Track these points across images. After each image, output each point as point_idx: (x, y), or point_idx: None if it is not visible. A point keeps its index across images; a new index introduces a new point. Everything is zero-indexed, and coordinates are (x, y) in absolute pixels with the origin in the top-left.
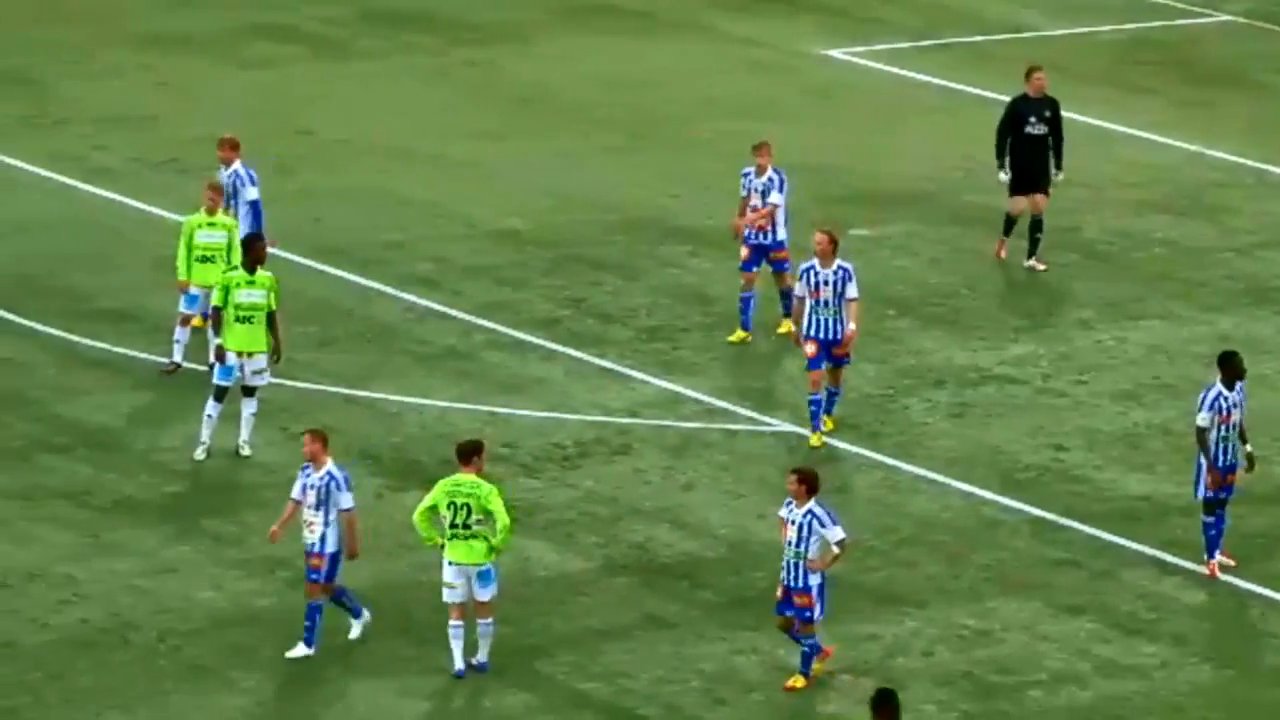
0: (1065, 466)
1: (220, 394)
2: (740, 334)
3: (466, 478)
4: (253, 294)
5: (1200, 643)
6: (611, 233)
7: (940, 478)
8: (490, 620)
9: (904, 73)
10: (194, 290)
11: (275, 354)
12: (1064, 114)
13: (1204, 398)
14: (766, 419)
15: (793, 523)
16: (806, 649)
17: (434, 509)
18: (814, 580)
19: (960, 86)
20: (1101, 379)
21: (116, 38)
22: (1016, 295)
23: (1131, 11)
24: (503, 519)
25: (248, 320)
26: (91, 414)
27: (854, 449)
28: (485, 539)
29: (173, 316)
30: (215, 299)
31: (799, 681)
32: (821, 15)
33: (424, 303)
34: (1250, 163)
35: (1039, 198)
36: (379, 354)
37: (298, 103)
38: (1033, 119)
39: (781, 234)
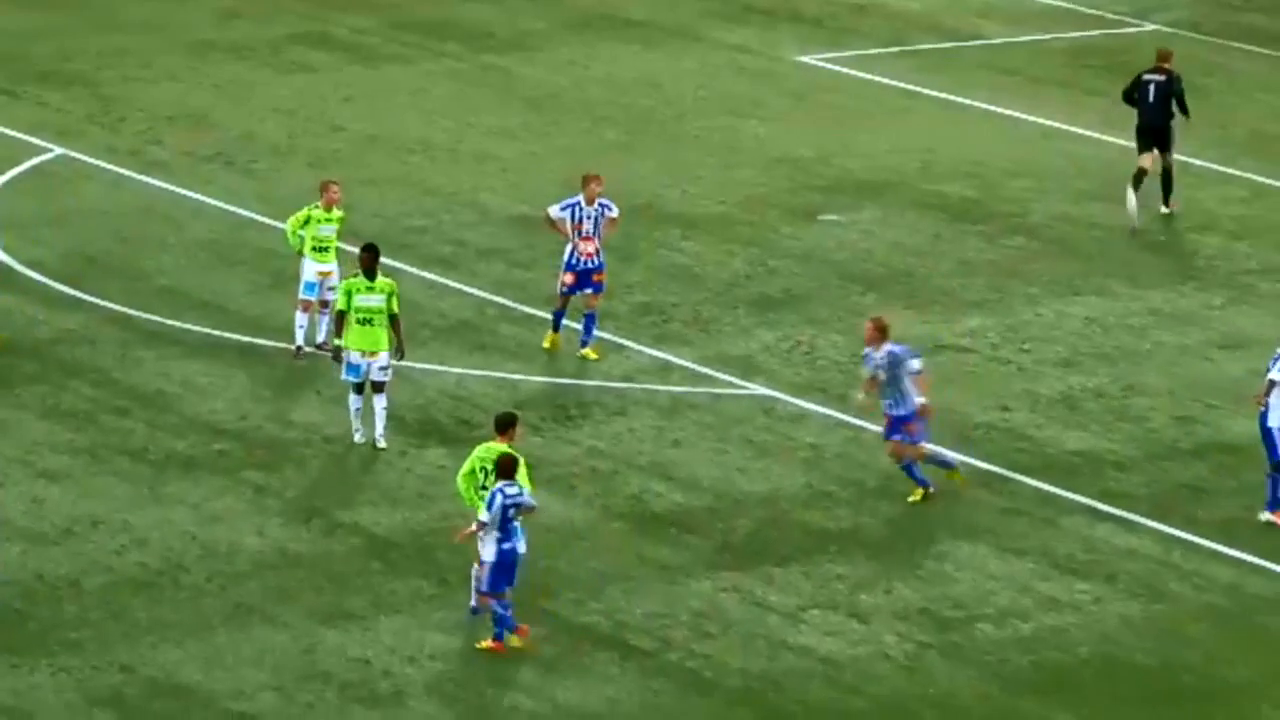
0: (1011, 425)
1: (357, 389)
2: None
3: (499, 446)
4: (371, 298)
5: (1129, 581)
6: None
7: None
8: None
9: (872, 76)
10: (312, 278)
11: (399, 352)
12: (1015, 113)
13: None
14: (746, 384)
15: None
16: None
17: (472, 473)
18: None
19: (922, 89)
20: (1044, 348)
21: (170, 46)
22: (969, 274)
23: (1075, 22)
24: (527, 487)
25: (368, 322)
26: (148, 380)
27: (824, 410)
28: None
29: (220, 294)
30: (339, 303)
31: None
32: (799, 25)
33: (444, 281)
34: (1179, 156)
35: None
36: (404, 326)
37: (331, 103)
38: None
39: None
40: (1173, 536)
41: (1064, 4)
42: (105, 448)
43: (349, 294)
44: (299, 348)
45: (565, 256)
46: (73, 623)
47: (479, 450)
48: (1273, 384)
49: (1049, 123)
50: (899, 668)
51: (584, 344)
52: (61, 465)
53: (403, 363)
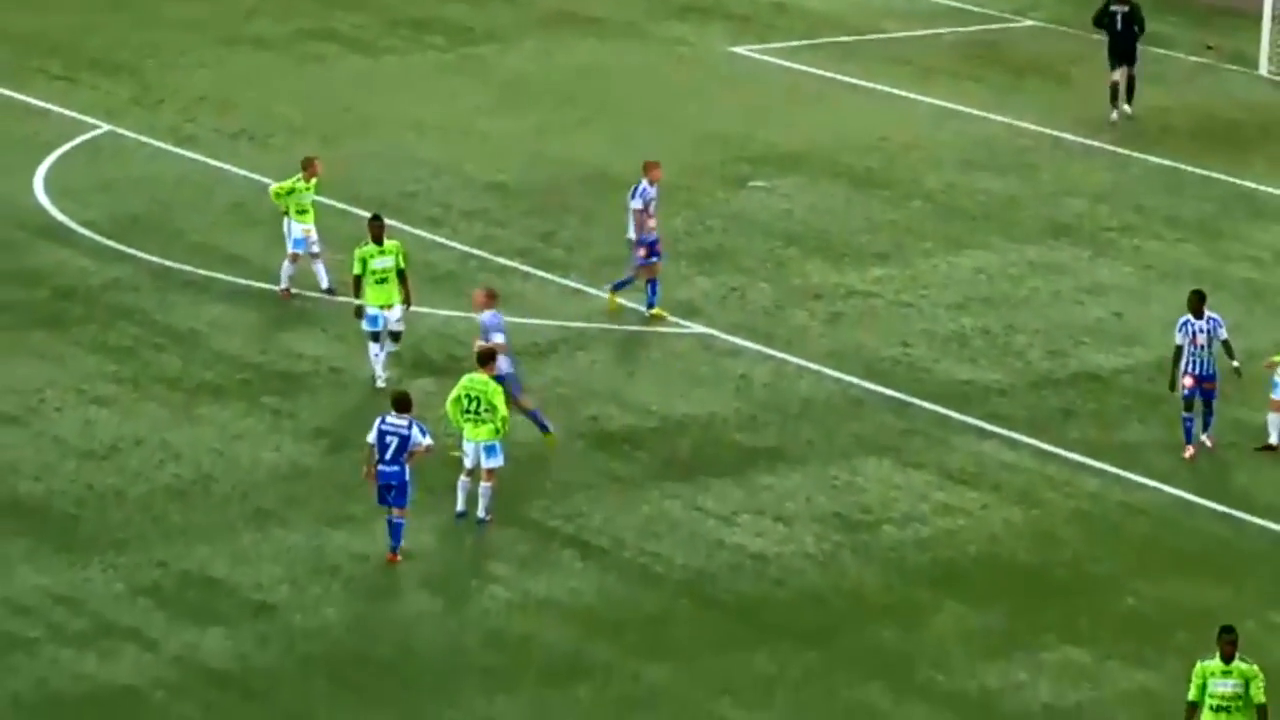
0: (911, 359)
1: (374, 337)
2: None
3: (480, 377)
4: (384, 260)
5: (1011, 491)
6: (574, 185)
7: (818, 367)
8: (491, 484)
9: (792, 65)
10: (300, 235)
11: (406, 302)
12: (911, 96)
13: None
14: (687, 324)
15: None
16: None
17: (458, 399)
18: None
19: (834, 75)
20: (938, 294)
21: (202, 39)
22: (875, 231)
23: (962, 18)
24: (502, 412)
25: (383, 281)
26: (181, 320)
27: (754, 346)
28: (492, 423)
29: (243, 249)
30: (354, 269)
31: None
32: (730, 21)
33: (432, 237)
34: (1051, 131)
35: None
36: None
37: (339, 87)
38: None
39: (631, 234)
40: (1047, 452)
41: (953, 2)
42: (145, 378)
43: (364, 260)
44: (285, 289)
45: (635, 234)
46: (118, 526)
47: (463, 380)
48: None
49: (940, 104)
50: (816, 564)
51: (652, 305)
52: (108, 393)
53: (410, 308)
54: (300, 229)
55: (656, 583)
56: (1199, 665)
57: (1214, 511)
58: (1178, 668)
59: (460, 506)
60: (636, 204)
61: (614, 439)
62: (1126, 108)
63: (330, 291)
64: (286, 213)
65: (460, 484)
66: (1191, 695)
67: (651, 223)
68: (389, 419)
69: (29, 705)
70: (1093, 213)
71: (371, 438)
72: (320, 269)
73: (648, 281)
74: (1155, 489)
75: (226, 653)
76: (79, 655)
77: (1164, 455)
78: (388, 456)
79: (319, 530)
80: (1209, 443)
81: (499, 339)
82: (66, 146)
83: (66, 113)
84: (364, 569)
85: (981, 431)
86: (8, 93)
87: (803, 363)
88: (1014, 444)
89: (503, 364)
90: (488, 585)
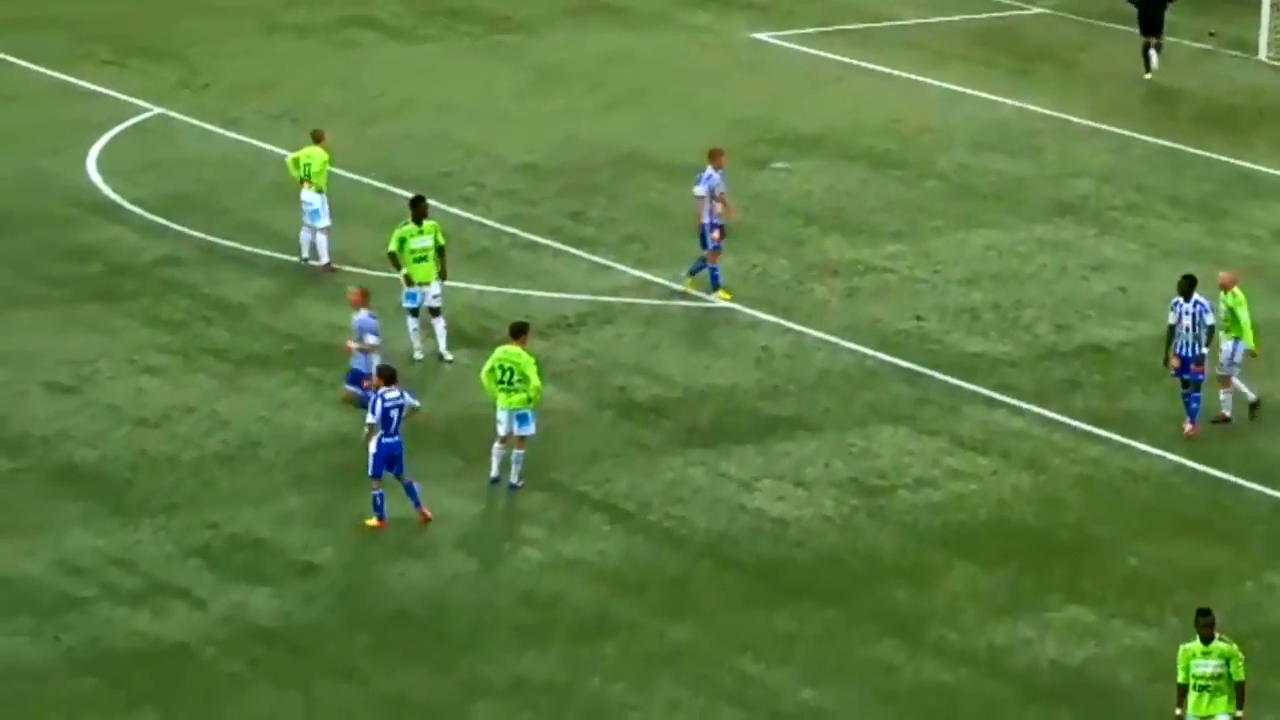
0: (924, 332)
1: (413, 313)
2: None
3: (513, 348)
4: (423, 239)
5: (1020, 457)
6: (602, 166)
7: (836, 340)
8: (523, 451)
9: (811, 51)
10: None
11: (442, 276)
12: (926, 80)
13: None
14: (711, 299)
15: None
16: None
17: (492, 370)
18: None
19: (851, 61)
20: (950, 270)
21: (246, 27)
22: (890, 210)
23: (975, 5)
24: (534, 382)
25: (422, 259)
26: (229, 294)
27: (773, 319)
28: (524, 392)
29: (286, 226)
30: (391, 245)
31: (1189, 428)
32: (751, 10)
33: (466, 215)
34: (1059, 115)
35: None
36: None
37: (376, 72)
38: None
39: (704, 219)
40: (1054, 420)
41: None
42: (195, 349)
43: (402, 239)
44: (327, 264)
45: (708, 219)
46: (169, 490)
47: (497, 352)
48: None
49: (953, 88)
50: (834, 526)
51: (693, 274)
52: (160, 363)
53: (445, 282)
54: (313, 197)
55: (680, 545)
56: (1181, 649)
57: (1213, 477)
58: (1178, 626)
59: (494, 472)
60: (700, 190)
61: (640, 408)
62: (1149, 72)
63: (305, 261)
64: (303, 181)
65: (494, 450)
66: (1180, 678)
67: (719, 207)
68: (387, 395)
69: (83, 661)
70: (1098, 192)
71: (375, 416)
72: (321, 241)
73: (701, 258)
74: (1157, 456)
75: (273, 611)
76: (132, 613)
77: (1165, 424)
78: (392, 429)
79: (360, 495)
80: (1189, 428)
81: (372, 340)
82: (117, 128)
83: (117, 96)
84: (402, 531)
85: (991, 401)
86: (61, 76)
87: (821, 335)
88: (1022, 413)
89: (360, 362)
90: (520, 547)
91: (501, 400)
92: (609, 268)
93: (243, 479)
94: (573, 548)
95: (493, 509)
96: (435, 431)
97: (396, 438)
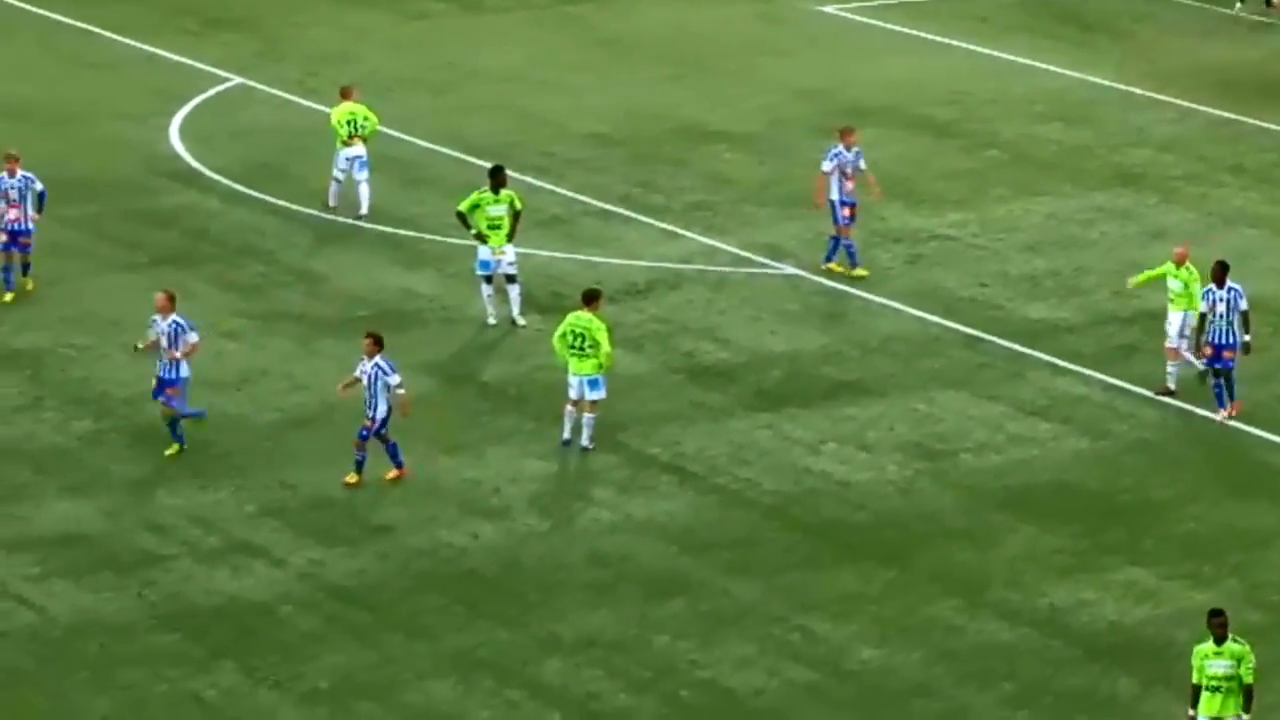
0: (987, 298)
1: (487, 280)
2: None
3: (585, 314)
4: (499, 208)
5: (1080, 422)
6: (668, 135)
7: (899, 305)
8: (594, 415)
9: (873, 22)
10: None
11: (509, 236)
12: (988, 52)
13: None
14: (776, 265)
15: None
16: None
17: (563, 335)
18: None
19: (915, 32)
20: (1012, 237)
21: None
22: (952, 179)
23: None
24: (605, 348)
25: (497, 227)
26: (304, 260)
27: (839, 286)
28: (595, 358)
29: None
30: (463, 205)
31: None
32: None
33: (537, 183)
34: (1118, 85)
35: None
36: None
37: (446, 44)
38: None
39: (834, 195)
40: (1114, 386)
41: None
42: (271, 314)
43: (477, 204)
44: (333, 207)
45: (838, 196)
46: (247, 451)
47: (569, 318)
48: None
49: (1014, 59)
50: (896, 489)
51: (830, 260)
52: (238, 327)
53: (515, 248)
54: (347, 152)
55: (746, 506)
56: (1196, 649)
57: (1268, 441)
58: (1234, 587)
59: (565, 435)
60: (827, 166)
61: (707, 372)
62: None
63: (359, 217)
64: (346, 141)
65: (566, 414)
66: (1194, 678)
67: (850, 185)
68: (382, 364)
69: (165, 616)
70: (1158, 161)
71: (398, 380)
72: (366, 191)
73: (833, 237)
74: (1213, 420)
75: (348, 569)
76: (211, 571)
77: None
78: (376, 398)
79: (432, 456)
80: (1228, 414)
81: (193, 338)
82: (200, 98)
83: (200, 66)
84: (475, 492)
85: (1052, 367)
86: (146, 47)
87: (885, 301)
88: (1083, 378)
89: (184, 368)
90: (590, 507)
91: (573, 365)
92: (677, 235)
93: (318, 441)
94: (641, 508)
95: (564, 470)
96: (508, 395)
97: (373, 411)
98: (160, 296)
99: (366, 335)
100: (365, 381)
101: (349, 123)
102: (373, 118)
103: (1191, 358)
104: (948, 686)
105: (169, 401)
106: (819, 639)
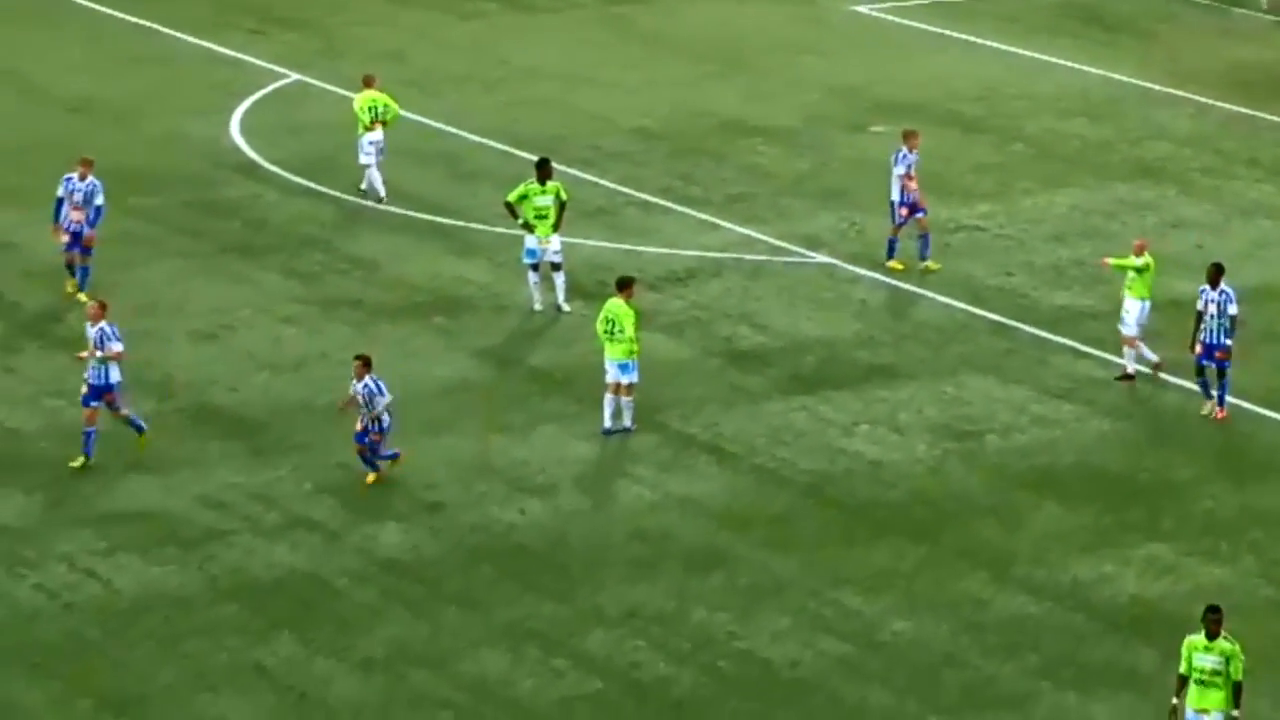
0: (1013, 286)
1: (534, 268)
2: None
3: (618, 302)
4: (545, 199)
5: (1104, 405)
6: (709, 130)
7: (928, 293)
8: (631, 398)
9: (907, 22)
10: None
11: (555, 226)
12: (1016, 50)
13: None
14: (812, 254)
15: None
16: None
17: (602, 320)
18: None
19: (946, 32)
20: (1038, 228)
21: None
22: (981, 172)
23: None
24: (628, 333)
25: (543, 217)
26: (361, 249)
27: (872, 274)
28: (624, 344)
29: (416, 185)
30: (511, 196)
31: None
32: None
33: (583, 176)
34: (1140, 83)
35: None
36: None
37: (499, 42)
38: None
39: (895, 195)
40: (1137, 371)
41: None
42: (329, 300)
43: (524, 195)
44: (365, 190)
45: (900, 196)
46: (304, 431)
47: (609, 304)
48: None
49: (1041, 57)
50: (927, 468)
51: (925, 258)
52: (296, 313)
53: (561, 237)
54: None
55: (783, 484)
56: (1187, 640)
57: None
58: (1251, 564)
59: (606, 424)
60: (899, 169)
61: (745, 356)
62: None
63: (379, 200)
64: (369, 126)
65: (606, 401)
66: (1181, 668)
67: (913, 184)
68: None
69: (226, 589)
70: (1177, 155)
71: (389, 399)
72: (371, 173)
73: (919, 236)
74: (1231, 403)
75: (402, 544)
76: (270, 545)
77: (1240, 373)
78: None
79: (483, 437)
80: (1219, 414)
81: (117, 347)
82: (259, 93)
83: (259, 63)
84: (523, 471)
85: (1076, 352)
86: (207, 44)
87: (915, 290)
88: (1105, 363)
89: (114, 373)
90: (632, 486)
91: (607, 350)
92: (716, 225)
93: None
94: (682, 486)
95: (607, 450)
96: (555, 379)
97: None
98: (91, 306)
99: (355, 358)
100: (361, 400)
101: (370, 109)
102: (393, 105)
103: (1147, 351)
104: (975, 658)
105: (110, 406)
106: (852, 612)
